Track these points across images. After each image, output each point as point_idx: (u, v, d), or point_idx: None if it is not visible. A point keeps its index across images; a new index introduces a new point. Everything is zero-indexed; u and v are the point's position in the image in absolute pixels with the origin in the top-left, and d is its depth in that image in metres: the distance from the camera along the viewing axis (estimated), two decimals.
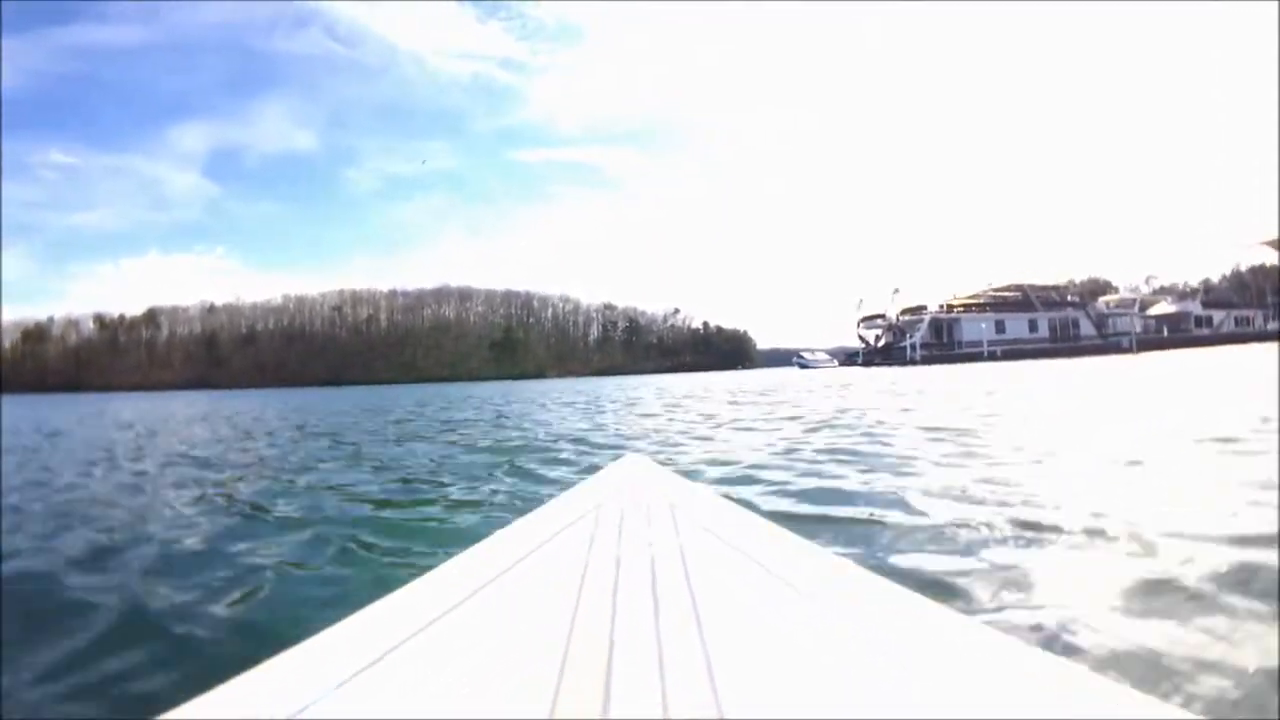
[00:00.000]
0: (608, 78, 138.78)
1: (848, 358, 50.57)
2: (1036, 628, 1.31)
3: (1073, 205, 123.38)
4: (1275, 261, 48.29)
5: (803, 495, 2.64)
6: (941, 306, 45.37)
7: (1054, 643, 1.24)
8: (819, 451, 3.85)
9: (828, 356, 57.90)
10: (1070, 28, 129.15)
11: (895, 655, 0.44)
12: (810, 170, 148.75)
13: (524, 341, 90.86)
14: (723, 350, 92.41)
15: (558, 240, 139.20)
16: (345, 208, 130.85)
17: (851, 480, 2.90)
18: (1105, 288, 48.63)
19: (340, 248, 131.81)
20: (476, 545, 0.75)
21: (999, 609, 1.42)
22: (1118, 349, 40.23)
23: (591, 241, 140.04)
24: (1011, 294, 46.35)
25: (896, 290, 48.09)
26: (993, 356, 40.03)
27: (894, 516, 2.20)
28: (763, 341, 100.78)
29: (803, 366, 54.43)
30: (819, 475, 3.06)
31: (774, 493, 2.73)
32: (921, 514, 2.20)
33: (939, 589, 1.52)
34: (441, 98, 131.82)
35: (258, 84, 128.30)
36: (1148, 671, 1.13)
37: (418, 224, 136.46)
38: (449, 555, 0.73)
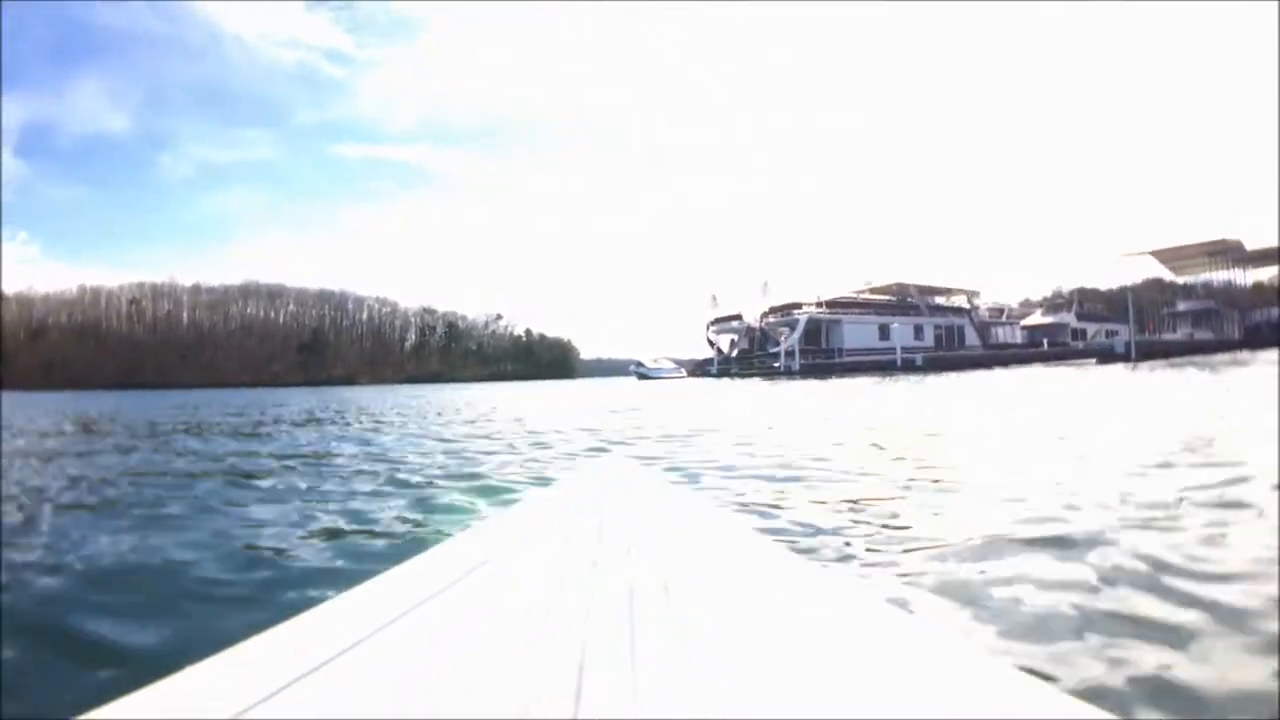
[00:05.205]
0: (438, 77, 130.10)
1: (698, 367, 43.18)
2: (1014, 640, 1.31)
3: (942, 206, 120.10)
4: (1154, 274, 44.39)
5: None
6: (819, 305, 37.61)
7: (1031, 650, 1.24)
8: None
9: (674, 365, 50.31)
10: (952, 29, 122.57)
11: (869, 657, 0.44)
12: (647, 178, 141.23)
13: (334, 345, 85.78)
14: (545, 360, 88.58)
15: (379, 240, 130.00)
16: (156, 194, 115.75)
17: None
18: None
19: (147, 237, 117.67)
20: (450, 540, 0.72)
21: (973, 618, 1.42)
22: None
23: (414, 243, 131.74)
24: (888, 296, 39.69)
25: (765, 284, 40.32)
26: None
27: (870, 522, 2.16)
28: (587, 351, 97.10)
29: (642, 377, 47.07)
30: None
31: None
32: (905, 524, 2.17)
33: (911, 595, 1.54)
34: (264, 85, 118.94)
35: (75, 56, 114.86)
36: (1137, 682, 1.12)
37: (231, 216, 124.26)
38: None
